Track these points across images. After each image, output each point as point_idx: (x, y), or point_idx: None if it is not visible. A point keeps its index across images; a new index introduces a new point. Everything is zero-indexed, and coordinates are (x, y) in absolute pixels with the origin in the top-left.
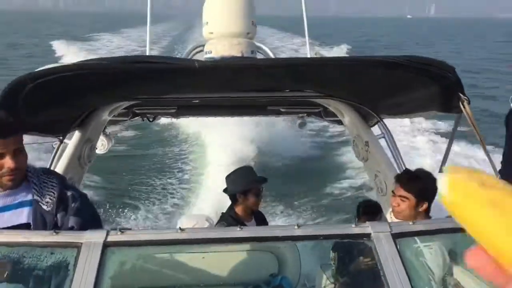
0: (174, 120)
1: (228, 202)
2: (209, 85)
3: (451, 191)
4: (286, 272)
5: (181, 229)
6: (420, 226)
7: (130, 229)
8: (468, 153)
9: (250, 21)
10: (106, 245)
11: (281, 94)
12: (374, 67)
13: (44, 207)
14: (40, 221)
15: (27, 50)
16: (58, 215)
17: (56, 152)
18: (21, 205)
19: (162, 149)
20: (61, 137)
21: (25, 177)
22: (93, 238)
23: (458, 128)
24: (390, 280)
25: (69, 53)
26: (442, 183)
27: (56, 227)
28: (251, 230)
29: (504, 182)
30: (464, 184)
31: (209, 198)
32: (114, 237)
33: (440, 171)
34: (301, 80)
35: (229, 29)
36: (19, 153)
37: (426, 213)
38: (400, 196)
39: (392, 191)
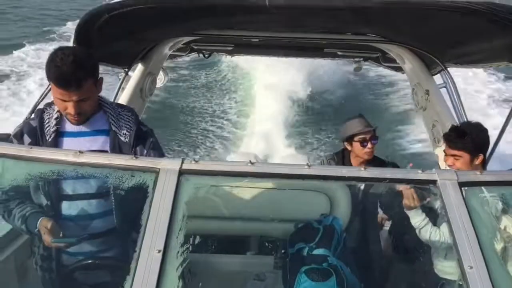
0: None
1: (273, 142)
2: (272, 24)
3: None
4: (337, 213)
5: (251, 163)
6: (487, 176)
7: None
8: None
9: None
10: (181, 172)
11: (341, 36)
12: (447, 12)
13: (122, 138)
14: (117, 150)
15: None
16: (138, 148)
17: (122, 83)
18: (96, 133)
19: (209, 87)
20: (126, 69)
21: (99, 108)
22: (169, 165)
23: None
24: (455, 227)
25: None
26: None
27: None
28: (318, 169)
29: None
30: None
31: (256, 137)
32: (188, 165)
33: (505, 125)
34: (365, 23)
35: None
36: (82, 102)
37: (483, 165)
38: (452, 155)
39: (444, 151)
